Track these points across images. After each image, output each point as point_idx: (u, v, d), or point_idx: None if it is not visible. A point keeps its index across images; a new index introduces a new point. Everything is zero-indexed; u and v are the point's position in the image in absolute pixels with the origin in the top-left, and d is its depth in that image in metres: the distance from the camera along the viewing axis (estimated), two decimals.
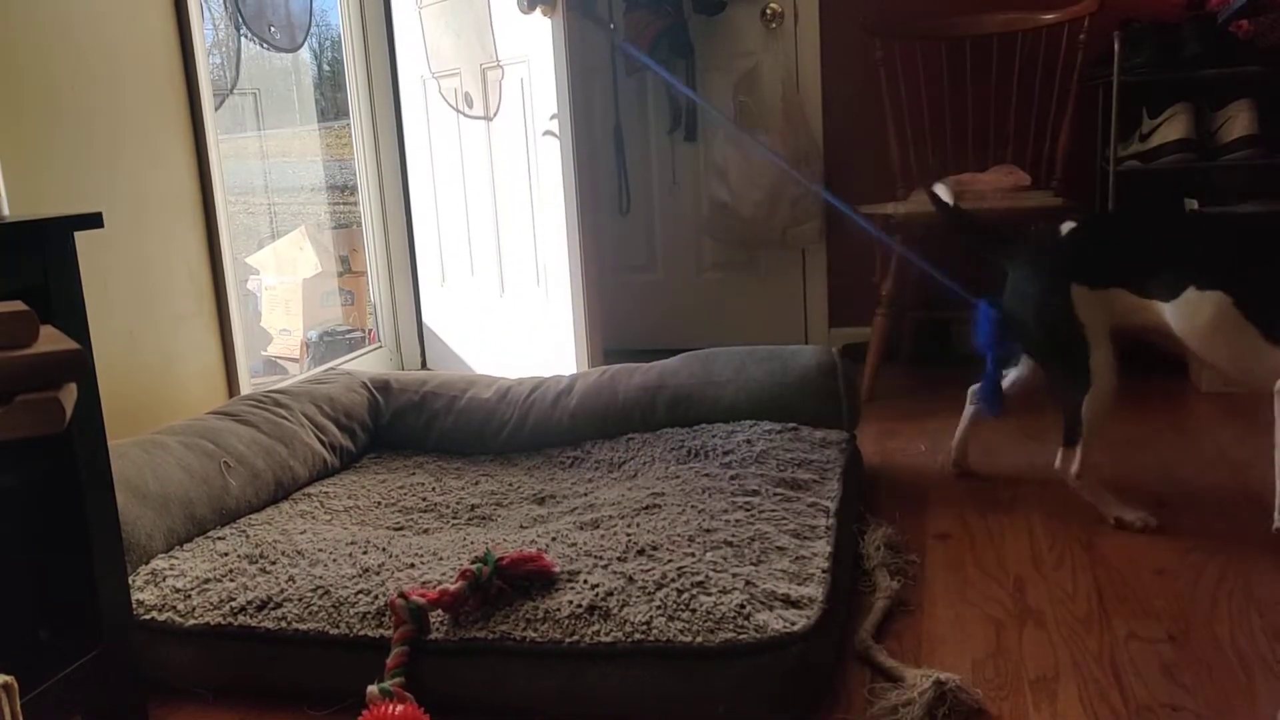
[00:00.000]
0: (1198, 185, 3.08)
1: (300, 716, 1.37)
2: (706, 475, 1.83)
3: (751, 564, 1.46)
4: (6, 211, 1.26)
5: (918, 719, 1.23)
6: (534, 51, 2.77)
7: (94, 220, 1.27)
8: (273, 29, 3.09)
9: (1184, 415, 2.52)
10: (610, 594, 1.37)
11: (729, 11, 3.32)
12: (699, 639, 1.28)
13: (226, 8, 3.07)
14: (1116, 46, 2.80)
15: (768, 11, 3.30)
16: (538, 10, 2.64)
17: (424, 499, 1.96)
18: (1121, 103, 2.83)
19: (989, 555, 1.75)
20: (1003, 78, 3.01)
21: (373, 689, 1.29)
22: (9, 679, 0.89)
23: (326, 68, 3.86)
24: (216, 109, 2.59)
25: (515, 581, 1.42)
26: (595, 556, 1.50)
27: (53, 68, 2.00)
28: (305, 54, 3.74)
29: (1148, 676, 1.34)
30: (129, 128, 2.19)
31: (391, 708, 1.25)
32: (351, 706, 1.30)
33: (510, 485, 2.01)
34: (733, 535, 1.55)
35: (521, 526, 1.76)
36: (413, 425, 2.33)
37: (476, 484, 2.04)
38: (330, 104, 3.90)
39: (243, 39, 3.04)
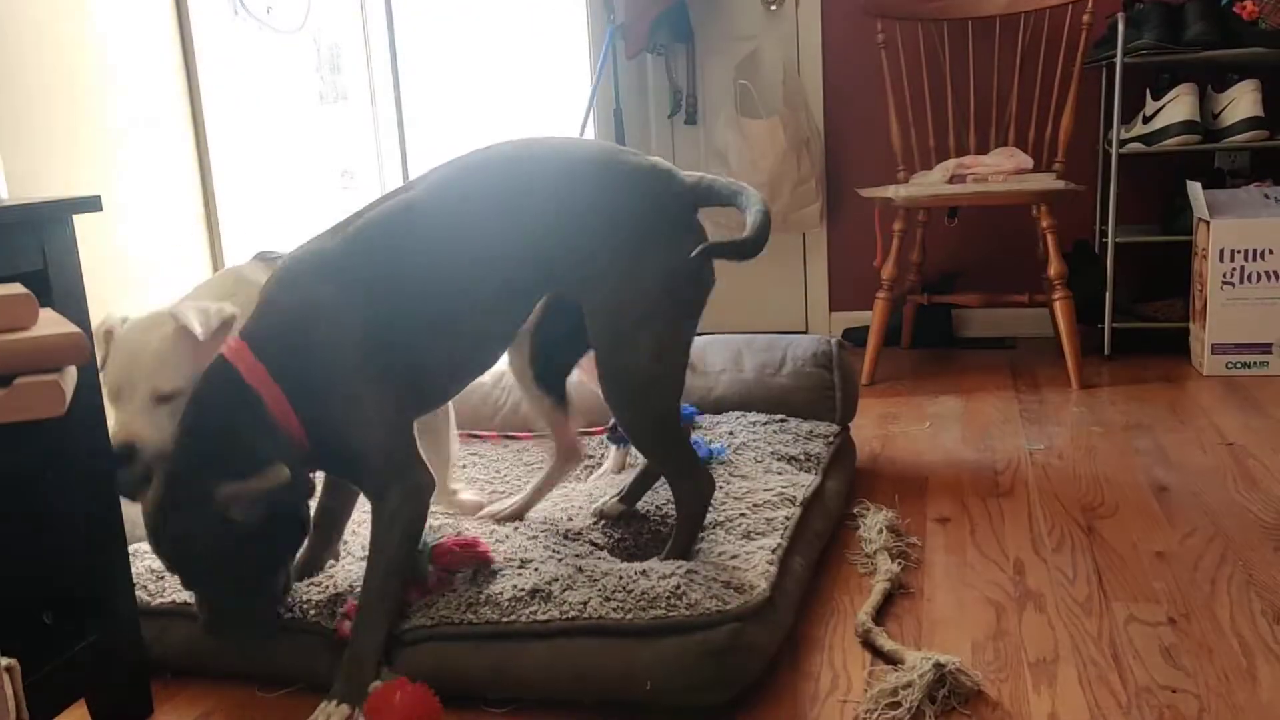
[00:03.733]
0: (1201, 167, 3.07)
1: (301, 698, 1.38)
2: None
3: (699, 555, 1.47)
4: (5, 195, 1.25)
5: (917, 701, 1.24)
6: None
7: (93, 204, 1.26)
8: (270, 10, 3.07)
9: (1184, 398, 2.52)
10: (555, 580, 1.38)
11: None
12: (629, 616, 1.29)
13: None
14: (1120, 27, 2.78)
15: None
16: None
17: None
18: (1125, 84, 2.82)
19: (989, 538, 1.75)
20: (1005, 60, 3.00)
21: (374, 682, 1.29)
22: (12, 661, 0.90)
23: (326, 50, 3.83)
24: (215, 92, 2.58)
25: (453, 570, 1.42)
26: (554, 549, 1.50)
27: (52, 55, 1.99)
28: (304, 36, 3.72)
29: (1147, 659, 1.34)
30: (128, 113, 2.18)
31: (405, 689, 1.25)
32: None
33: (495, 471, 2.01)
34: None
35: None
36: None
37: (464, 467, 2.03)
38: (329, 87, 3.87)
39: (239, 20, 3.02)
